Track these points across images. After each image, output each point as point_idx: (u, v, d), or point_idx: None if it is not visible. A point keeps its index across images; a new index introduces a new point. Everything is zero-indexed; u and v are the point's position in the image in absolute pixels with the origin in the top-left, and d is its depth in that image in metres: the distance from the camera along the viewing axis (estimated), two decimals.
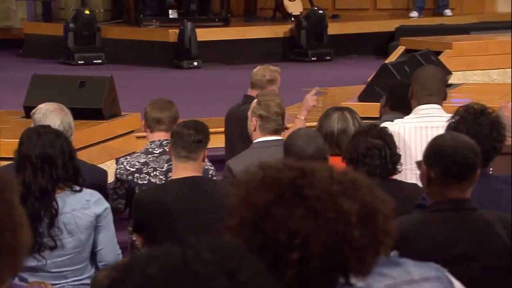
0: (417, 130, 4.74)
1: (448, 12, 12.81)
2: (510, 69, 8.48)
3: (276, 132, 4.77)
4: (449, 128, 3.87)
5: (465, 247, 3.17)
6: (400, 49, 9.60)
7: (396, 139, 4.21)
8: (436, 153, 3.22)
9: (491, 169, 3.87)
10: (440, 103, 4.83)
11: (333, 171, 1.69)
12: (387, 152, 3.90)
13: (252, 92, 6.08)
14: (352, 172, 1.70)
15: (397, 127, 4.75)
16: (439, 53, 8.69)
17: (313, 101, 5.74)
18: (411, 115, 4.90)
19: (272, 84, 6.07)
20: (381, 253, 1.68)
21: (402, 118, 5.02)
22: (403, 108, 5.36)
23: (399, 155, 4.00)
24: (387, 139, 3.95)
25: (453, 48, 9.11)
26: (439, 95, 4.84)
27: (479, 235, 3.19)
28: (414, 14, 12.75)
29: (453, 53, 9.03)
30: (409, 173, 4.46)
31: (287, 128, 5.33)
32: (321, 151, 3.97)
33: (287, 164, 1.69)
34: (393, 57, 9.17)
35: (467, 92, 7.60)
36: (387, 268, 1.78)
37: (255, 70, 6.21)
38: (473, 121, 3.80)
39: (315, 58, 11.59)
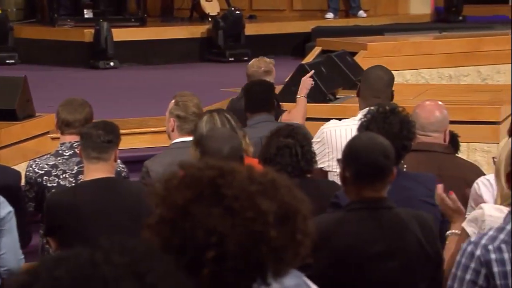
0: None
1: (362, 13, 12.99)
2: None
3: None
4: (361, 126, 3.91)
5: (382, 246, 3.21)
6: (317, 50, 9.66)
7: (339, 140, 4.19)
8: (350, 154, 3.25)
9: (405, 166, 3.94)
10: None
11: (253, 171, 1.69)
12: (298, 150, 3.94)
13: None
14: (272, 173, 1.70)
15: (349, 128, 4.77)
16: (354, 53, 8.78)
17: (311, 81, 6.13)
18: (359, 116, 4.93)
19: (268, 75, 6.11)
20: (301, 254, 1.68)
21: (267, 119, 5.11)
22: (264, 108, 5.38)
23: (314, 153, 4.04)
24: (299, 138, 3.99)
25: (368, 49, 9.21)
26: (384, 97, 4.89)
27: (395, 234, 3.23)
28: (330, 15, 12.89)
29: (368, 53, 9.13)
30: None
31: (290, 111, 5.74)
32: (236, 151, 3.97)
33: (207, 163, 1.69)
34: (309, 58, 9.22)
35: None
36: None
37: (250, 63, 6.27)
38: (383, 120, 3.86)
39: (232, 59, 11.60)
